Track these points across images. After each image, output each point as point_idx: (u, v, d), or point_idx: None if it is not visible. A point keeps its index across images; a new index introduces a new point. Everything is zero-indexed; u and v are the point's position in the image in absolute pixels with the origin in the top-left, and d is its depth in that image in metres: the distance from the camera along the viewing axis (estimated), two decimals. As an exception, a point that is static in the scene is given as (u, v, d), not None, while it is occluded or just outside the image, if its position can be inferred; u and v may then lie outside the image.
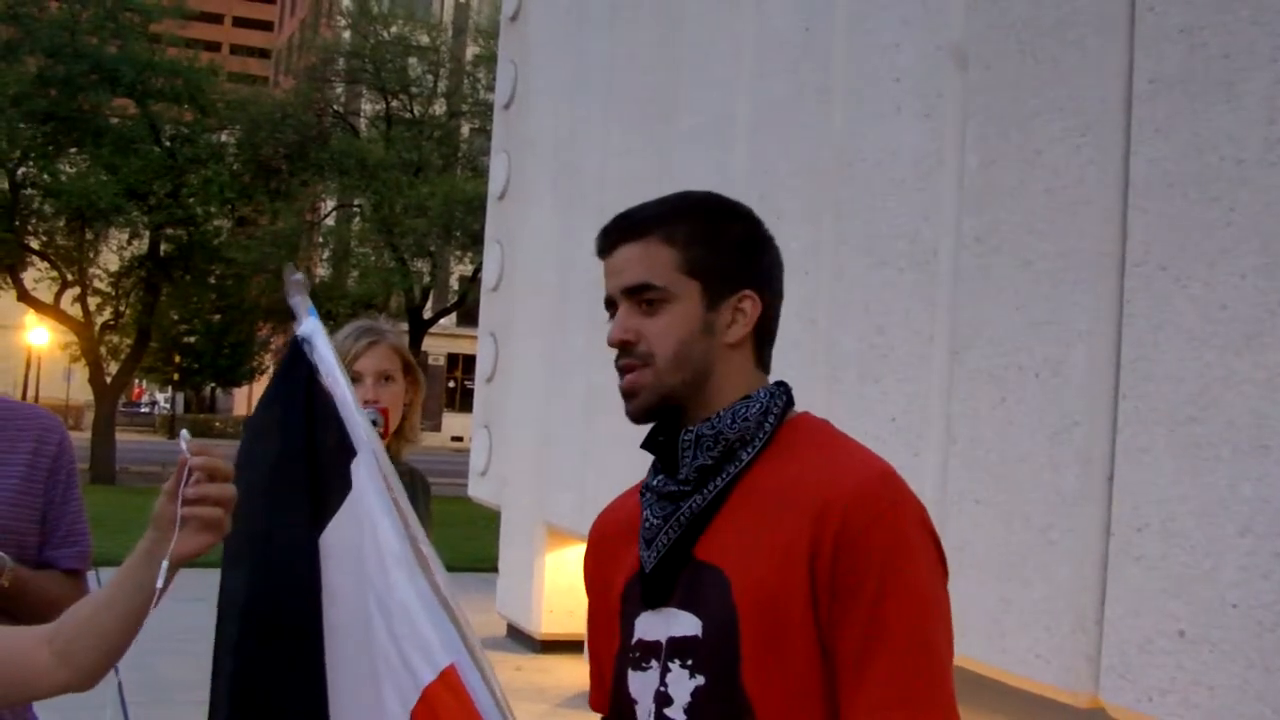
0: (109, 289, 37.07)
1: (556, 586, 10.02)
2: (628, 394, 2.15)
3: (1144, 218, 4.03)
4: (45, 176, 32.53)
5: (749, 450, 2.08)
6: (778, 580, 1.97)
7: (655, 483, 2.14)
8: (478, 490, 11.50)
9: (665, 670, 2.07)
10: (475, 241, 31.35)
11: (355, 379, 3.75)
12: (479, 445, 11.34)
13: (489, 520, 11.83)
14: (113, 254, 36.83)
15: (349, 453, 2.38)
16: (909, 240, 5.13)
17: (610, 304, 2.20)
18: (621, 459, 7.79)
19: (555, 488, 9.23)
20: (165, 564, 2.17)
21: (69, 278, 35.20)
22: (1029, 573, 4.34)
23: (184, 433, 2.26)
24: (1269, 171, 3.61)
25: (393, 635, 2.34)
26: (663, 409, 2.12)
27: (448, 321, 49.00)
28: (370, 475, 2.36)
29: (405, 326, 36.53)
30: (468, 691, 2.22)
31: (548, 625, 10.10)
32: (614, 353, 2.11)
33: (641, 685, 2.12)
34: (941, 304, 4.90)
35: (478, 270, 27.80)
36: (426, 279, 39.25)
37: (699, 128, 7.20)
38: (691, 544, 2.07)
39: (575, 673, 9.22)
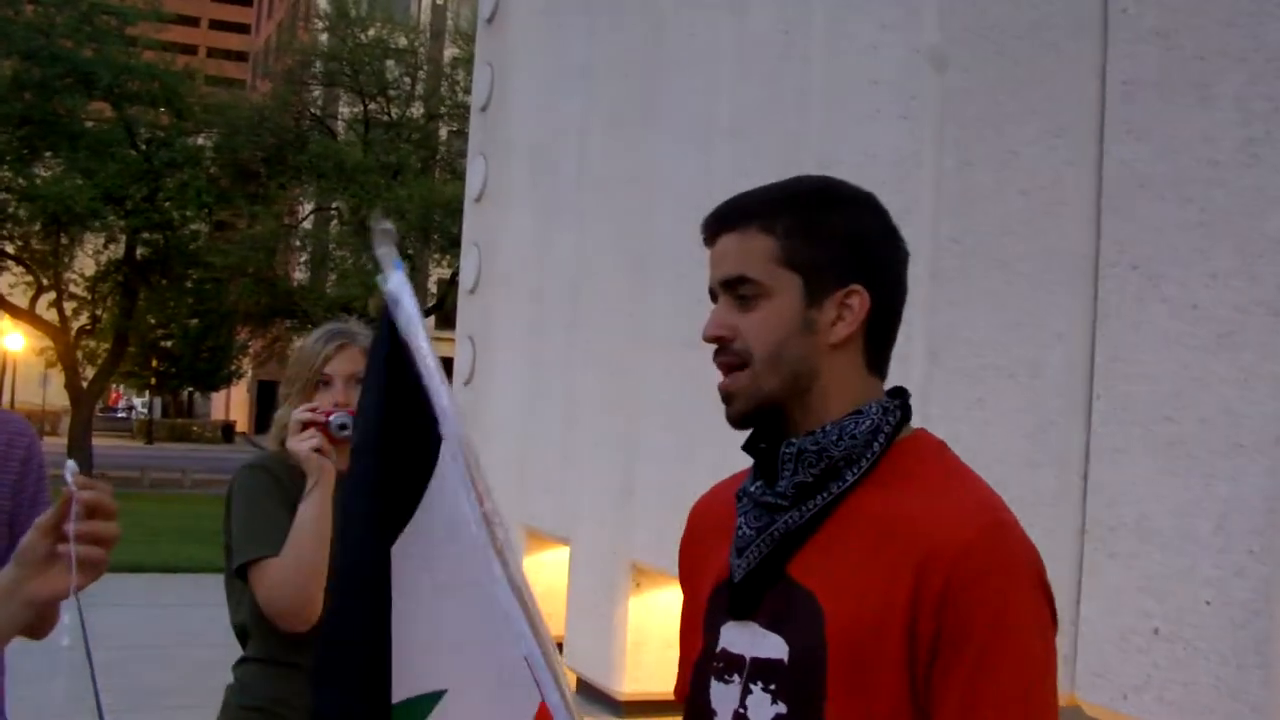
0: (85, 294, 37.02)
1: (535, 590, 10.01)
2: (725, 397, 2.02)
3: (1119, 219, 4.05)
4: (20, 181, 32.45)
5: (854, 471, 1.95)
6: (874, 618, 1.86)
7: (753, 489, 2.02)
8: (456, 493, 11.46)
9: (746, 691, 1.97)
10: (453, 244, 31.38)
11: (326, 382, 3.74)
12: (457, 448, 11.31)
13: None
14: (89, 258, 36.78)
15: (433, 429, 2.19)
16: (886, 242, 5.14)
17: (714, 295, 2.06)
18: (600, 462, 7.82)
19: (534, 491, 9.23)
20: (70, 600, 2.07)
21: (45, 282, 35.14)
22: (1006, 572, 4.35)
23: (70, 464, 2.17)
24: (1243, 173, 3.63)
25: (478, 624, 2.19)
26: (761, 413, 2.00)
27: (427, 324, 48.87)
28: (452, 454, 2.18)
29: (383, 330, 36.46)
30: (538, 686, 2.12)
31: (527, 628, 10.08)
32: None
33: (722, 699, 2.03)
34: (919, 305, 4.91)
35: (456, 273, 27.80)
36: (405, 282, 39.26)
37: (678, 130, 7.21)
38: (783, 561, 1.96)
39: (554, 675, 9.19)
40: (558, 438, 8.72)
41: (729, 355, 2.01)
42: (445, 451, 2.17)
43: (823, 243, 2.01)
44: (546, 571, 9.85)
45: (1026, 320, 4.39)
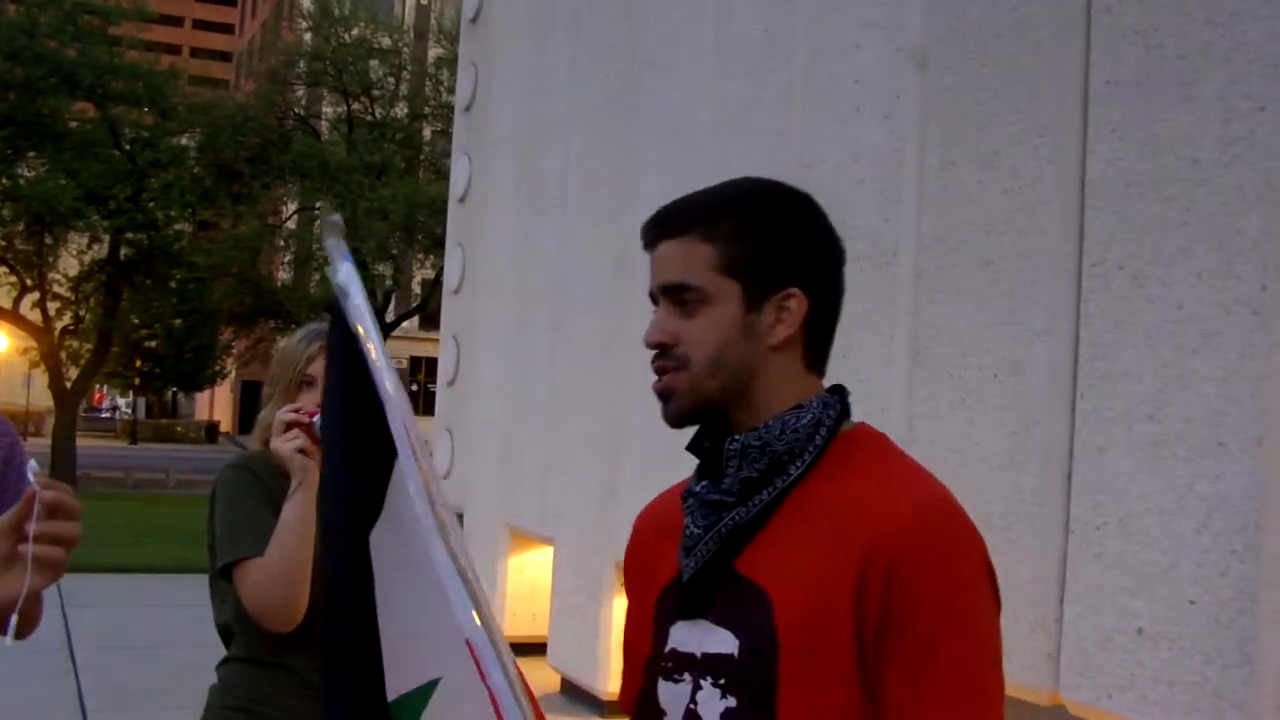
0: (69, 294, 36.94)
1: (519, 590, 10.00)
2: (662, 396, 2.05)
3: (1101, 218, 4.06)
4: (4, 180, 32.37)
5: (798, 464, 1.98)
6: (821, 607, 1.88)
7: (699, 489, 2.05)
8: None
9: (697, 687, 1.99)
10: (437, 244, 31.37)
11: (309, 383, 3.73)
12: (441, 448, 11.31)
13: (452, 523, 11.79)
14: (73, 258, 36.70)
15: (383, 420, 2.18)
16: (869, 241, 5.14)
17: (653, 300, 2.10)
18: (584, 462, 7.81)
19: (518, 491, 9.22)
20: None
21: (28, 282, 35.06)
22: (989, 571, 4.35)
23: (31, 464, 2.16)
24: (1224, 172, 3.64)
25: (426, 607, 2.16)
26: (701, 413, 2.03)
27: (410, 325, 48.95)
28: (399, 438, 2.16)
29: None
30: (481, 668, 2.10)
31: (510, 628, 10.07)
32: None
33: (672, 698, 2.04)
34: (902, 305, 4.91)
35: (440, 273, 27.79)
36: (389, 282, 39.24)
37: (661, 130, 7.21)
38: (732, 557, 1.98)
39: (537, 675, 9.20)
40: (542, 438, 8.72)
41: (669, 360, 2.04)
42: (397, 438, 2.17)
43: (761, 248, 2.02)
44: (530, 571, 9.84)
45: (1009, 319, 4.39)
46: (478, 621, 2.11)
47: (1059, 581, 4.11)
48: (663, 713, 2.05)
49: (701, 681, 1.98)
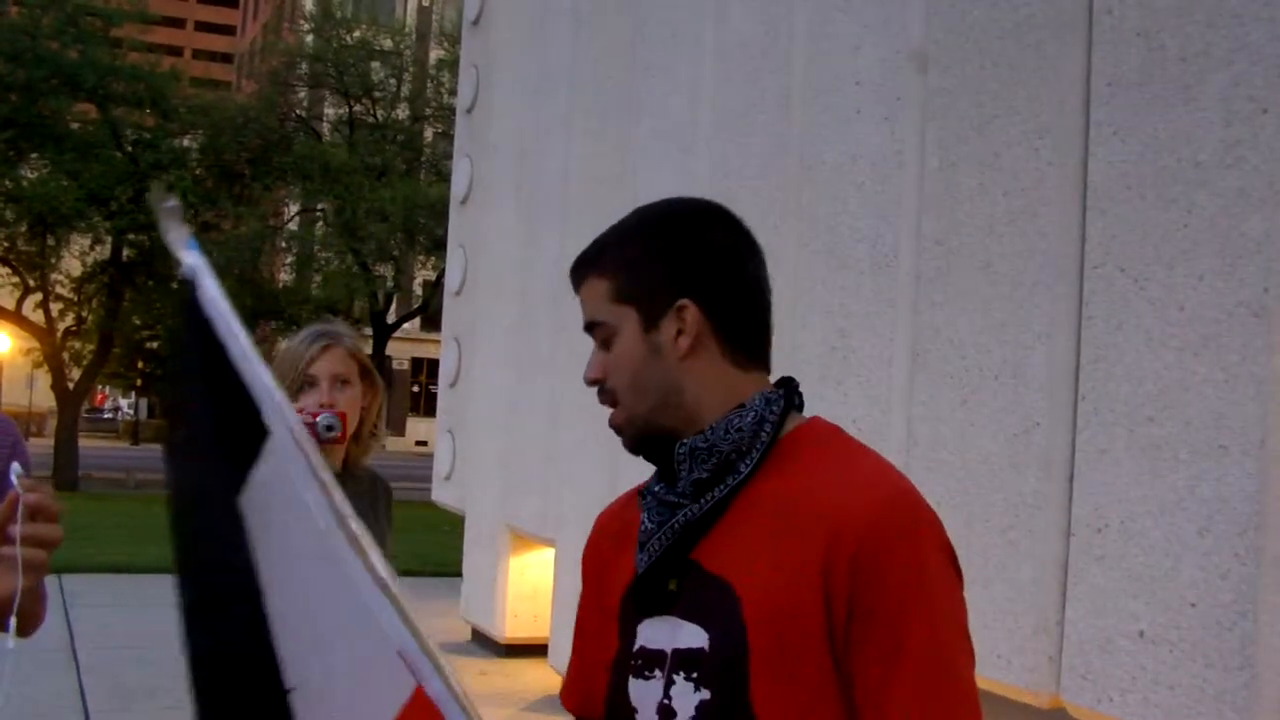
0: (71, 295, 36.91)
1: (520, 591, 10.01)
2: (615, 430, 2.12)
3: (1103, 220, 4.05)
4: (7, 182, 32.35)
5: (747, 461, 2.01)
6: (789, 597, 1.91)
7: (657, 489, 2.08)
8: (442, 495, 11.48)
9: (670, 682, 2.01)
10: (438, 246, 31.34)
11: (311, 383, 3.72)
12: (443, 450, 11.32)
13: (453, 525, 11.84)
14: (75, 259, 36.67)
15: (255, 410, 2.09)
16: (870, 243, 5.14)
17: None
18: (585, 463, 7.81)
19: (519, 492, 9.23)
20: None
21: (31, 283, 35.05)
22: (990, 574, 4.35)
23: (15, 466, 2.16)
24: (1226, 174, 3.64)
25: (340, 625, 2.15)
26: (649, 438, 2.08)
27: (411, 326, 48.96)
28: (282, 436, 2.06)
29: (369, 331, 36.50)
30: (415, 676, 2.08)
31: (512, 630, 10.09)
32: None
33: (643, 694, 2.06)
34: (902, 306, 4.91)
35: (441, 275, 27.77)
36: (390, 284, 39.20)
37: (661, 131, 7.21)
38: (686, 550, 2.02)
39: (540, 676, 9.21)
40: (542, 439, 8.72)
41: (604, 395, 2.11)
42: (275, 439, 2.11)
43: (643, 270, 2.08)
44: (532, 573, 9.85)
45: (1010, 321, 4.39)
46: (406, 631, 2.08)
47: (1060, 584, 4.11)
48: (634, 710, 2.07)
49: (674, 676, 2.01)
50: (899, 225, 5.00)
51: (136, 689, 10.38)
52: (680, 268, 2.08)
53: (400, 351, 56.71)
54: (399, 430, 57.61)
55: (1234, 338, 3.57)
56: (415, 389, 63.16)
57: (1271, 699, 3.34)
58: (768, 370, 2.13)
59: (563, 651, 7.92)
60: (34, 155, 33.76)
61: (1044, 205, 4.30)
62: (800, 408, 2.11)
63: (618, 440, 2.12)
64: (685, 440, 2.03)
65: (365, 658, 2.09)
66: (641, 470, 2.14)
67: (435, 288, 36.34)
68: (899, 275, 4.96)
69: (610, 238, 2.16)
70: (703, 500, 2.01)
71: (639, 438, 2.09)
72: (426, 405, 58.27)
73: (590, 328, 2.12)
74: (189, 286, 2.17)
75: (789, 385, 2.10)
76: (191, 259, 2.19)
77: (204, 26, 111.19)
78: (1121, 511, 3.88)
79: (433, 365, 52.85)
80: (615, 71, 7.98)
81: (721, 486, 2.01)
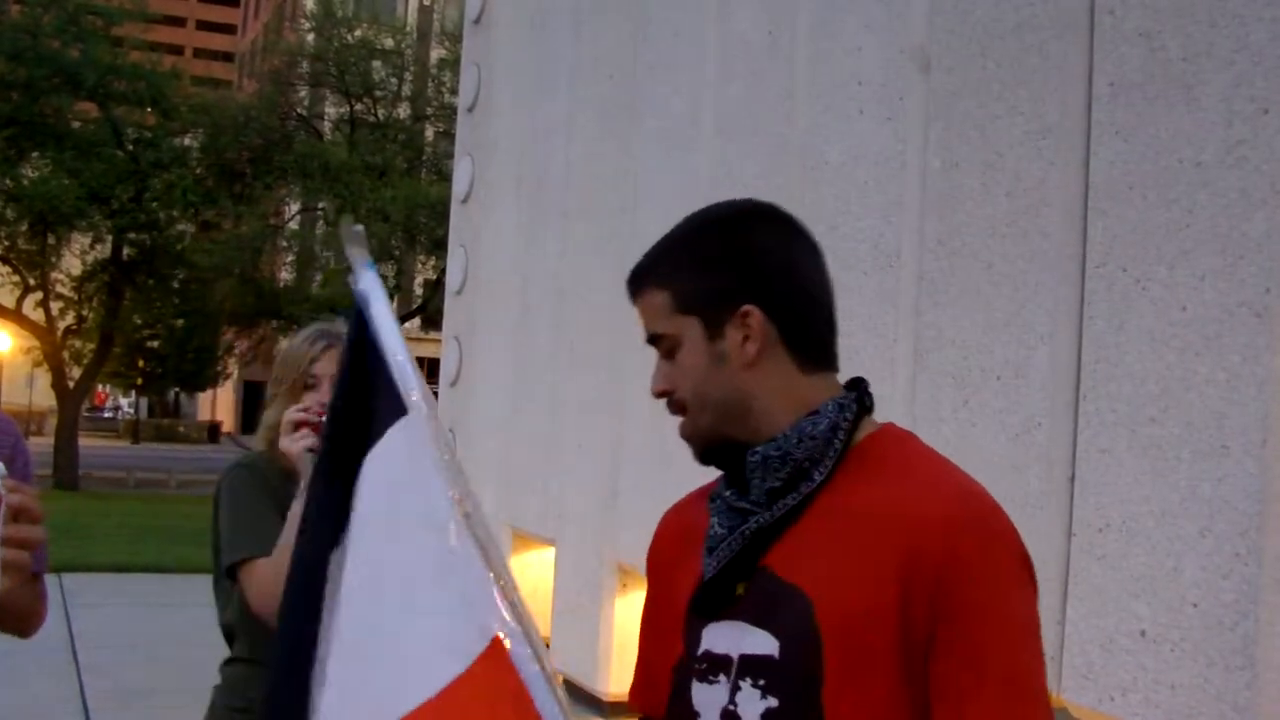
0: (72, 294, 36.96)
1: (521, 590, 10.00)
2: (684, 439, 2.14)
3: (1104, 220, 4.05)
4: (7, 181, 32.40)
5: (821, 469, 2.00)
6: (866, 604, 1.91)
7: (727, 494, 2.08)
8: (443, 494, 11.45)
9: (735, 688, 2.01)
10: (439, 245, 31.38)
11: (312, 385, 3.73)
12: (443, 449, 11.29)
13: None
14: (75, 258, 36.72)
15: (398, 408, 2.17)
16: (872, 243, 5.14)
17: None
18: (585, 462, 7.81)
19: (519, 491, 9.22)
20: None
21: (31, 282, 35.11)
22: (992, 574, 4.34)
23: None
24: (1227, 174, 3.64)
25: (433, 603, 2.14)
26: (715, 449, 2.09)
27: (411, 326, 48.98)
28: (417, 423, 2.16)
29: (369, 331, 36.46)
30: (514, 665, 2.08)
31: (513, 629, 10.07)
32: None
33: (707, 699, 2.06)
34: (904, 307, 4.91)
35: (442, 274, 27.77)
36: (390, 283, 39.22)
37: (663, 131, 7.21)
38: (757, 556, 2.01)
39: (541, 676, 9.19)
40: (543, 439, 8.72)
41: (673, 405, 2.14)
42: (407, 420, 2.16)
43: (703, 278, 2.08)
44: (532, 572, 9.84)
45: (1012, 321, 4.39)
46: (510, 615, 2.10)
47: (1061, 584, 4.11)
48: (696, 714, 2.07)
49: (740, 683, 2.00)
50: (901, 225, 5.00)
51: (136, 688, 10.40)
52: (739, 273, 2.07)
53: (400, 351, 56.66)
54: (399, 429, 57.55)
55: (1236, 338, 3.57)
56: (415, 388, 63.08)
57: (1273, 699, 3.35)
58: (836, 370, 2.12)
59: (563, 651, 7.92)
60: (35, 154, 33.86)
61: (1046, 205, 4.30)
62: (871, 409, 2.10)
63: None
64: (758, 449, 2.02)
65: (440, 630, 2.10)
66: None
67: (435, 287, 36.38)
68: (901, 275, 4.96)
69: (664, 247, 2.16)
70: (775, 508, 2.01)
71: (707, 448, 2.10)
72: (427, 405, 58.07)
73: (653, 340, 2.14)
74: (363, 302, 2.25)
75: (859, 387, 2.09)
76: (366, 281, 2.27)
77: (205, 25, 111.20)
78: (1123, 511, 3.88)
79: (433, 364, 52.72)
80: (617, 71, 7.98)
81: (795, 494, 2.00)
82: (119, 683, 10.58)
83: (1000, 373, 4.43)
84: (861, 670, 1.90)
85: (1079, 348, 4.14)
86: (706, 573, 2.06)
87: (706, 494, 2.19)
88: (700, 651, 2.08)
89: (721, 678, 2.03)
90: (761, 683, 1.97)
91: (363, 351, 2.24)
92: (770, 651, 1.96)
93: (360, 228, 2.28)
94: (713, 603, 2.06)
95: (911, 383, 4.81)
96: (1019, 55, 4.49)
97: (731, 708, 2.01)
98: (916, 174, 4.96)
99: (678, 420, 2.12)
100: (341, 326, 3.85)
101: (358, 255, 2.26)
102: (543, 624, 9.32)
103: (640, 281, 2.16)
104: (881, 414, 4.95)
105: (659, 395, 2.14)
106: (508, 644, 2.07)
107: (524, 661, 2.07)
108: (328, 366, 3.69)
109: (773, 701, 1.95)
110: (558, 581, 8.33)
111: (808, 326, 2.11)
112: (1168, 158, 3.85)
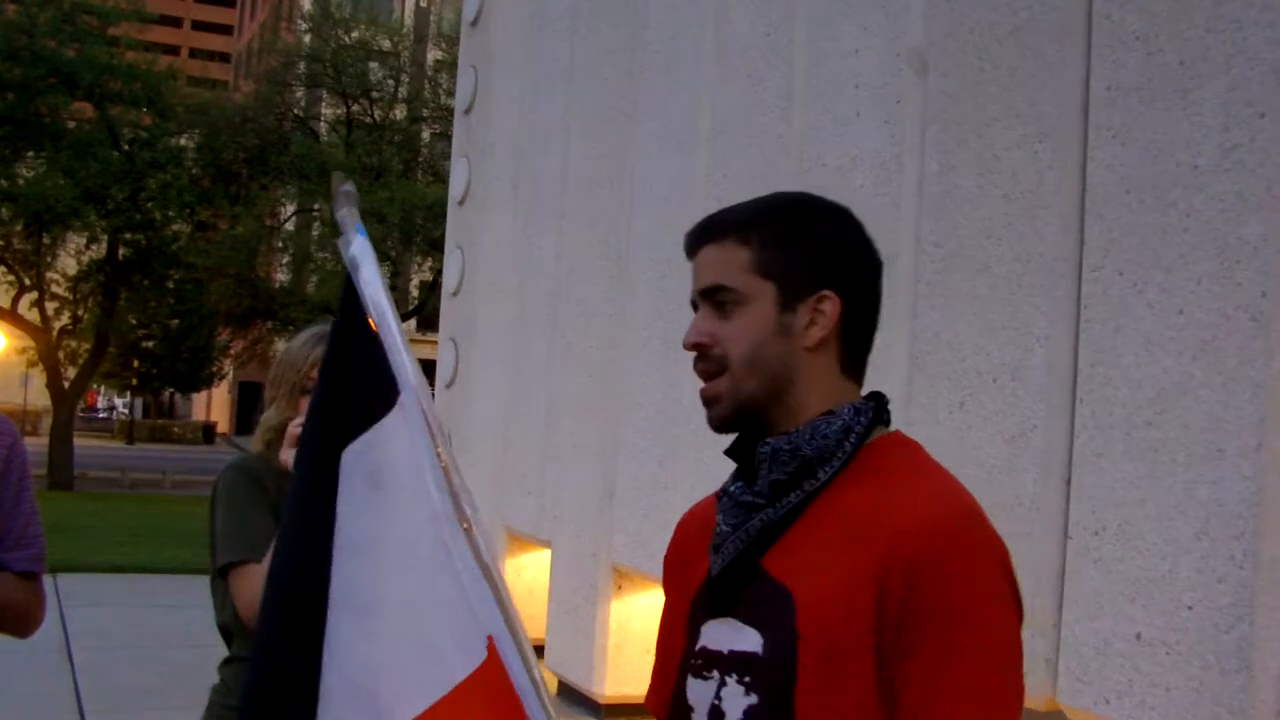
0: (67, 293, 36.91)
1: (516, 592, 9.99)
2: (707, 401, 2.09)
3: (1101, 223, 4.06)
4: (2, 180, 32.34)
5: (827, 469, 2.02)
6: (843, 608, 1.92)
7: (734, 489, 2.09)
8: (438, 495, 11.45)
9: (722, 684, 2.03)
10: (435, 247, 31.39)
11: (311, 389, 3.72)
12: (440, 450, 11.29)
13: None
14: (71, 258, 36.68)
15: (389, 394, 2.16)
16: (868, 245, 5.14)
17: (695, 306, 2.14)
18: (581, 465, 7.81)
19: (515, 493, 9.22)
20: None
21: (26, 282, 35.06)
22: (987, 576, 4.35)
23: None
24: (1224, 177, 3.64)
25: (435, 601, 2.14)
26: (742, 417, 2.06)
27: (408, 327, 48.91)
28: (413, 415, 2.16)
29: (365, 332, 36.44)
30: (505, 669, 2.09)
31: (508, 630, 10.07)
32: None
33: (699, 694, 2.08)
34: (901, 309, 4.91)
35: (438, 276, 27.75)
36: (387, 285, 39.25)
37: (660, 133, 7.21)
38: (759, 555, 2.02)
39: (536, 678, 9.19)
40: (539, 440, 8.72)
41: (708, 362, 2.07)
42: (400, 412, 2.15)
43: (795, 251, 2.08)
44: (528, 574, 9.84)
45: (1008, 324, 4.40)
46: (501, 617, 2.11)
47: (1057, 587, 4.11)
48: (690, 709, 2.10)
49: (727, 679, 2.03)
50: (898, 228, 5.01)
51: (132, 688, 10.39)
52: (830, 260, 2.10)
53: (397, 352, 56.71)
54: (395, 430, 57.52)
55: (1231, 341, 3.58)
56: (412, 389, 63.13)
57: (1268, 702, 3.35)
58: (862, 384, 2.13)
59: (558, 653, 7.93)
60: (30, 153, 33.81)
61: (1043, 208, 4.30)
62: (888, 423, 2.12)
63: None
64: (769, 440, 2.04)
65: (447, 631, 2.10)
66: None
67: (432, 289, 36.39)
68: (898, 278, 4.96)
69: (755, 211, 2.14)
70: (778, 505, 2.02)
71: (734, 414, 2.07)
72: (423, 406, 58.10)
73: (712, 291, 2.08)
74: (353, 267, 2.22)
75: (880, 400, 2.12)
76: (358, 244, 2.22)
77: (201, 26, 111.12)
78: (1119, 515, 3.89)
79: (429, 366, 52.68)
80: (614, 73, 7.98)
81: (798, 491, 2.02)
82: (115, 683, 10.57)
83: (996, 375, 4.44)
84: (834, 672, 1.91)
85: (1075, 351, 4.15)
86: (712, 570, 2.09)
87: (716, 496, 2.20)
88: (698, 648, 2.11)
89: (714, 673, 2.06)
90: (746, 680, 2.00)
91: (350, 327, 2.21)
92: (755, 649, 1.99)
93: (351, 186, 2.22)
94: (715, 600, 2.09)
95: (908, 385, 4.81)
96: (1016, 59, 4.50)
97: (717, 703, 2.04)
98: (913, 176, 4.97)
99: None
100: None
101: (348, 217, 2.21)
102: (538, 626, 9.33)
103: (717, 233, 2.11)
104: (878, 416, 4.95)
105: (694, 347, 2.08)
106: (498, 645, 2.08)
107: (516, 671, 2.08)
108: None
109: (753, 699, 1.98)
110: (553, 583, 8.33)
111: (863, 333, 2.16)
112: (1164, 161, 3.85)
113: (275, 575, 2.32)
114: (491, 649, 2.09)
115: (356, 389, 2.18)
